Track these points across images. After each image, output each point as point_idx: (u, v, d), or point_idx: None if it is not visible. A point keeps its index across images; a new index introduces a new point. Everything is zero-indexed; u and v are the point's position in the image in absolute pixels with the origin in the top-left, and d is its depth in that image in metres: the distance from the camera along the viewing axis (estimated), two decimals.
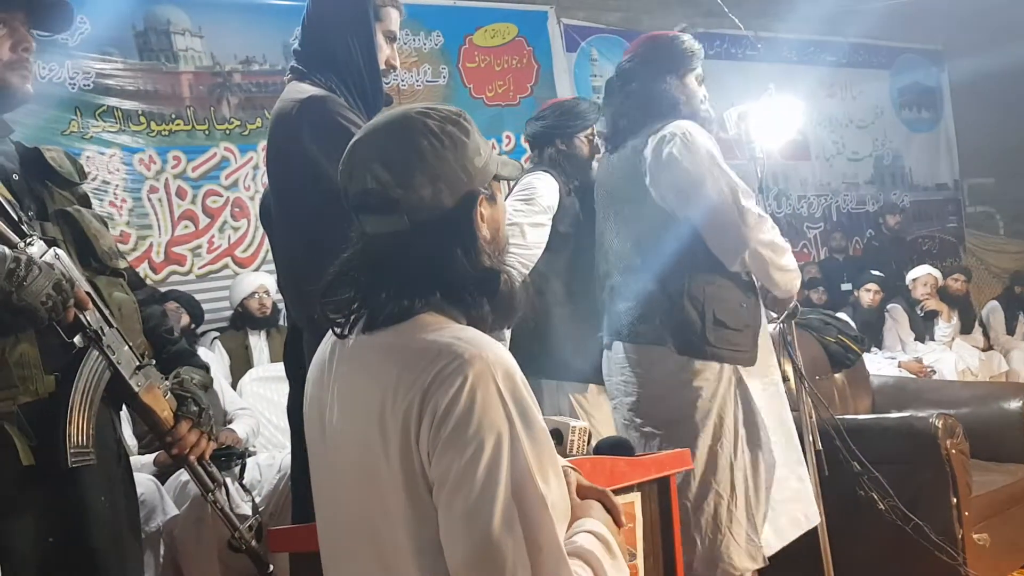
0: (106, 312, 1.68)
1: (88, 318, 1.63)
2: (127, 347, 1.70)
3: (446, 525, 1.16)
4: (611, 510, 1.37)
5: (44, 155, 1.78)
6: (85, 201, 1.85)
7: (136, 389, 1.70)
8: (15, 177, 1.70)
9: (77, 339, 1.62)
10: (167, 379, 1.82)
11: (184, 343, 2.06)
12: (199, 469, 1.87)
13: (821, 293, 6.77)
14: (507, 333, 2.81)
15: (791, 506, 2.63)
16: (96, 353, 1.64)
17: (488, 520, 1.12)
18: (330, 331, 1.36)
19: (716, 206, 2.51)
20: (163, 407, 1.76)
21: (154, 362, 1.78)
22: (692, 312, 2.54)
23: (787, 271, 2.62)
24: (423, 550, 1.19)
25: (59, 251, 1.62)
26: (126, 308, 1.79)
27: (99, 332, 1.64)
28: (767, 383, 2.65)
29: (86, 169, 2.03)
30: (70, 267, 1.62)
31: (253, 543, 1.93)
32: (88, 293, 1.64)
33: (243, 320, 4.62)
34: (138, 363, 1.72)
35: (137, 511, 1.92)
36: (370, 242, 1.30)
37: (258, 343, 4.58)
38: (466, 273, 1.28)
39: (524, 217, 2.80)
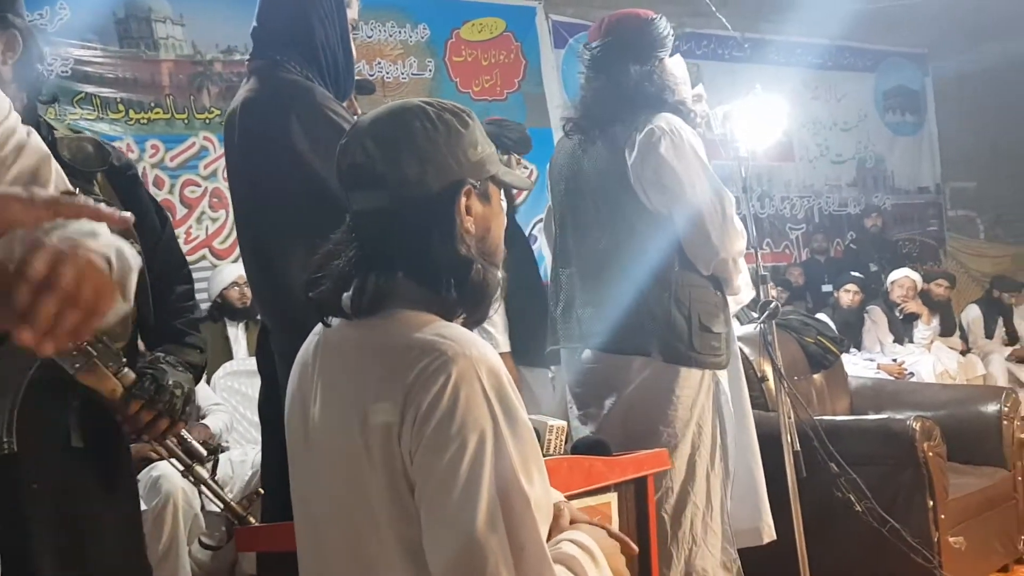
0: None
1: None
2: None
3: (428, 524, 1.14)
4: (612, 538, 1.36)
5: (58, 145, 1.77)
6: (102, 186, 1.83)
7: (72, 371, 1.64)
8: None
9: None
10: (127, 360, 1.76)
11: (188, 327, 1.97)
12: (171, 447, 1.82)
13: (780, 292, 6.65)
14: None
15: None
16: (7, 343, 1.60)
17: (471, 519, 1.10)
18: (312, 330, 1.35)
19: (701, 212, 2.42)
20: (109, 386, 1.67)
21: (97, 343, 1.67)
22: (679, 318, 2.41)
23: (742, 278, 2.61)
24: (406, 550, 1.17)
25: None
26: None
27: None
28: (735, 385, 2.63)
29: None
30: None
31: (249, 518, 1.90)
32: None
33: (221, 311, 4.54)
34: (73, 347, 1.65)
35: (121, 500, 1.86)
36: (355, 219, 1.31)
37: (236, 334, 4.52)
38: (439, 257, 1.27)
39: None
